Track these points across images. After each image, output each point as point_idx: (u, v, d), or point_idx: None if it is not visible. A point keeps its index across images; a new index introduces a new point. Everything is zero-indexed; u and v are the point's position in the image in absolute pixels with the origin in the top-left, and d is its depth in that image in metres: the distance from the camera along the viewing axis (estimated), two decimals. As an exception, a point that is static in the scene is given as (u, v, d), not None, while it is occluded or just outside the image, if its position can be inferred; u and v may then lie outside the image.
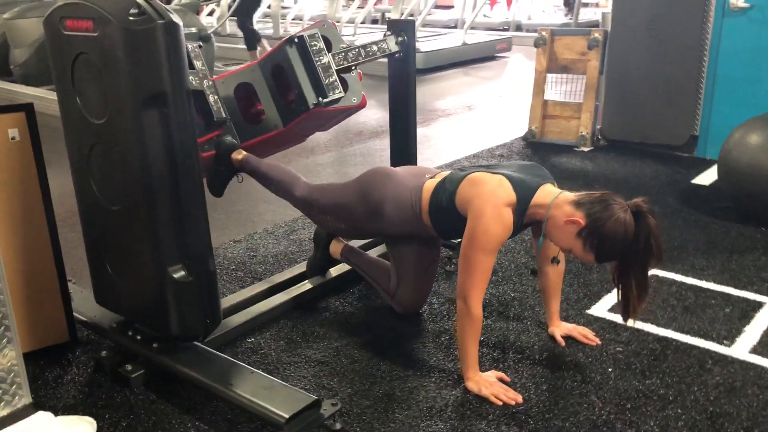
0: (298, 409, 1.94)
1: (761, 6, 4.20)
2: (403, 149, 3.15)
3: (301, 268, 2.96)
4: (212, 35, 7.79)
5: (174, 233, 2.08)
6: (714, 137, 4.52)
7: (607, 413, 2.10)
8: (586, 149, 4.96)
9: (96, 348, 2.46)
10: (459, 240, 2.96)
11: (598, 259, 2.11)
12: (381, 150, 5.09)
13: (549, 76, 5.15)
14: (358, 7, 11.13)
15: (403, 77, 3.04)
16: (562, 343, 2.47)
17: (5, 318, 1.90)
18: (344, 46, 2.80)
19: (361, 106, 2.81)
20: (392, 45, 2.92)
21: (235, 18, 8.21)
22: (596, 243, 2.06)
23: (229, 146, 2.71)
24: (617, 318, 2.61)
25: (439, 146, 5.27)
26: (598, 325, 2.60)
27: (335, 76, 2.67)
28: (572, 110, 5.08)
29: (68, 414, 2.10)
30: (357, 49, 2.80)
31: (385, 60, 3.03)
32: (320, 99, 2.64)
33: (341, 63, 2.73)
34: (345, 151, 5.10)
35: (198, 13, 8.86)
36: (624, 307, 2.12)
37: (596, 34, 4.87)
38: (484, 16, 12.30)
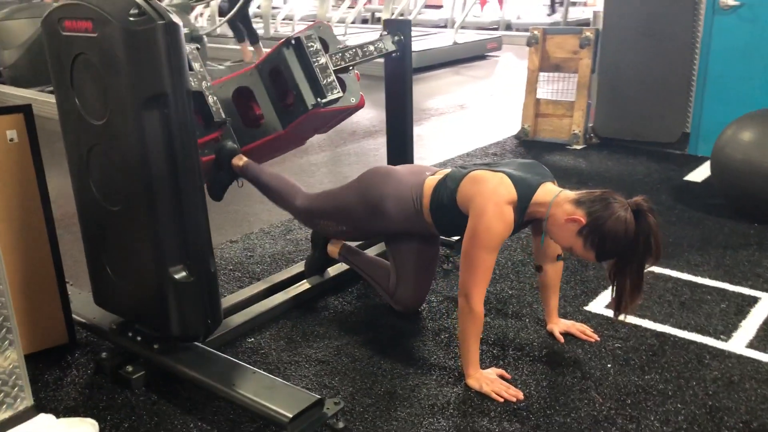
0: (301, 408, 1.94)
1: (751, 4, 4.24)
2: (400, 148, 3.16)
3: (299, 267, 2.96)
4: (204, 36, 7.78)
5: (175, 233, 2.08)
6: (705, 134, 4.55)
7: (608, 409, 2.12)
8: (578, 147, 4.98)
9: (95, 349, 2.46)
10: (458, 237, 2.98)
11: (599, 258, 2.12)
12: (375, 149, 5.10)
13: (541, 74, 5.17)
14: (349, 7, 11.13)
15: (400, 77, 3.05)
16: (561, 339, 2.48)
17: (6, 320, 1.90)
18: (341, 46, 2.81)
19: (360, 106, 2.82)
20: (389, 44, 2.92)
21: (231, 22, 8.20)
22: (597, 241, 2.08)
23: (229, 151, 2.71)
24: (615, 314, 2.63)
25: (433, 145, 5.28)
26: (596, 321, 2.61)
27: (333, 77, 2.67)
28: (565, 109, 5.11)
29: (70, 416, 2.10)
30: (354, 49, 2.80)
31: (380, 60, 3.04)
32: (319, 99, 2.64)
33: (338, 63, 2.73)
34: (339, 151, 5.10)
35: (188, 13, 8.83)
36: (616, 303, 2.14)
37: (588, 33, 4.89)
38: (474, 16, 12.34)
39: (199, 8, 10.23)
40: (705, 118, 4.57)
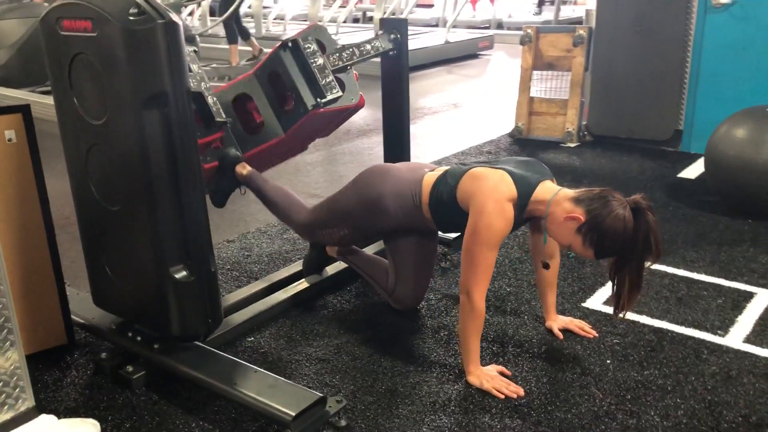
0: (304, 406, 1.94)
1: (743, 2, 4.27)
2: (397, 147, 3.16)
3: (297, 266, 2.96)
4: (197, 36, 7.76)
5: (175, 233, 2.07)
6: (698, 132, 4.59)
7: (608, 404, 2.13)
8: (572, 145, 5.01)
9: (94, 350, 2.45)
10: (458, 234, 2.98)
11: (598, 255, 2.14)
12: (369, 148, 5.10)
13: (535, 73, 5.19)
14: (340, 7, 11.12)
15: (396, 75, 3.06)
16: (560, 336, 2.50)
17: (7, 321, 1.89)
18: (338, 47, 2.81)
19: (360, 105, 2.82)
20: (385, 43, 2.93)
21: (220, 16, 8.20)
22: (596, 239, 2.09)
23: (232, 159, 2.70)
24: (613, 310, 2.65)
25: (427, 144, 5.29)
26: (594, 317, 2.63)
27: (331, 77, 2.67)
28: (558, 107, 5.13)
29: (71, 417, 2.09)
30: (351, 49, 2.81)
31: (375, 59, 3.04)
32: (318, 100, 2.64)
33: (336, 63, 2.73)
34: (334, 150, 5.10)
35: (179, 13, 8.81)
36: (616, 301, 2.15)
37: (581, 31, 4.91)
38: (471, 17, 12.36)
39: (189, 7, 10.19)
40: (698, 115, 4.60)
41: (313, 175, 4.51)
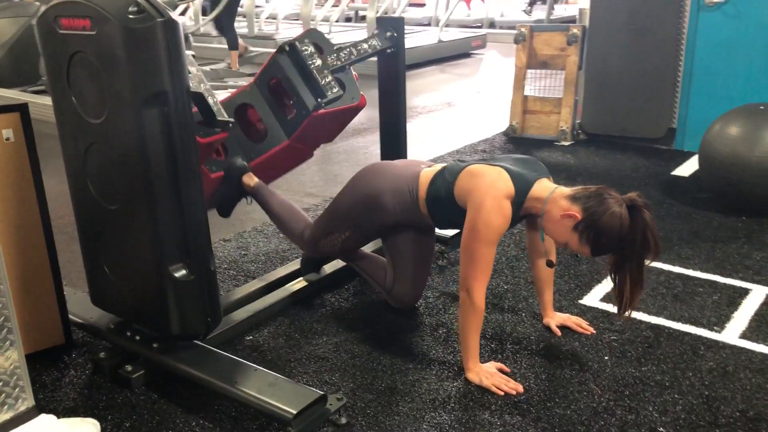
0: (305, 404, 1.95)
1: (735, 1, 4.30)
2: (394, 145, 3.17)
3: (294, 265, 2.96)
4: (190, 35, 7.74)
5: (174, 232, 2.07)
6: (691, 130, 4.62)
7: (607, 400, 2.14)
8: (566, 143, 5.03)
9: (92, 350, 2.45)
10: (456, 233, 2.99)
11: (594, 253, 2.15)
12: (364, 147, 5.11)
13: (529, 71, 5.20)
14: (333, 6, 11.10)
15: (393, 74, 3.06)
16: (558, 332, 2.51)
17: (7, 320, 1.88)
18: (335, 48, 2.83)
19: (361, 105, 2.82)
20: (383, 42, 2.93)
21: (218, 21, 8.17)
22: (592, 237, 2.10)
23: (239, 168, 2.71)
24: (610, 307, 2.67)
25: (421, 143, 5.29)
26: (591, 314, 2.64)
27: (331, 76, 2.69)
28: (552, 105, 5.15)
29: (70, 416, 2.08)
30: (348, 48, 2.82)
31: (370, 59, 3.04)
32: (319, 100, 2.65)
33: (334, 63, 2.74)
34: (329, 149, 5.09)
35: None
36: (619, 301, 2.16)
37: (575, 30, 4.93)
38: (466, 16, 12.38)
39: (182, 6, 10.15)
40: (691, 113, 4.63)
41: (309, 174, 4.51)
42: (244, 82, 6.98)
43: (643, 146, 4.83)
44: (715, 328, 2.53)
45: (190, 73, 2.40)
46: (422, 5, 13.68)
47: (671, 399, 2.14)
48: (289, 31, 10.52)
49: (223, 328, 2.45)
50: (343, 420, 2.05)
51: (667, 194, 3.93)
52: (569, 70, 5.00)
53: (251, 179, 2.73)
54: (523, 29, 5.12)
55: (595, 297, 2.78)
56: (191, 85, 2.04)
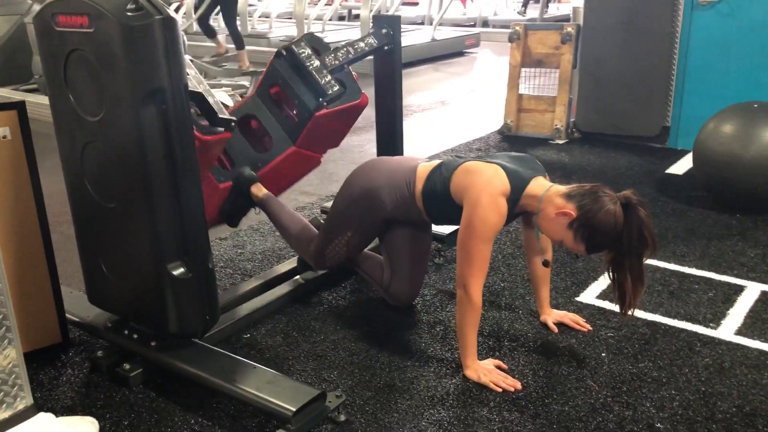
0: (304, 402, 1.95)
1: (728, 0, 4.32)
2: (390, 144, 3.18)
3: (291, 263, 2.96)
4: (183, 34, 7.70)
5: (173, 230, 2.07)
6: (685, 128, 4.64)
7: (604, 396, 2.15)
8: (561, 142, 5.04)
9: (90, 348, 2.44)
10: (452, 230, 2.99)
11: (589, 250, 2.16)
12: (359, 146, 5.10)
13: (523, 70, 5.21)
14: (326, 4, 11.10)
15: (389, 72, 3.07)
16: (555, 329, 2.52)
17: (6, 318, 1.88)
18: (332, 48, 2.84)
19: (363, 103, 2.83)
20: (379, 39, 2.94)
21: (203, 23, 8.15)
22: (587, 234, 2.11)
23: (248, 178, 2.70)
24: (606, 304, 2.68)
25: (416, 141, 5.29)
26: (588, 311, 2.65)
27: (330, 76, 2.71)
28: (546, 104, 5.16)
29: (68, 415, 2.08)
30: (345, 48, 2.83)
31: (366, 58, 3.05)
32: (320, 99, 2.66)
33: (332, 63, 2.75)
34: (323, 148, 5.10)
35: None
36: (620, 300, 2.16)
37: (569, 29, 4.95)
38: (464, 14, 12.39)
39: (174, 4, 10.12)
40: (684, 112, 4.65)
41: (304, 173, 4.50)
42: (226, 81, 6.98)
43: (637, 144, 4.85)
44: (710, 324, 2.55)
45: (188, 74, 2.40)
46: (415, 4, 13.68)
47: (668, 395, 2.15)
48: (282, 30, 10.51)
49: (221, 326, 2.45)
50: (342, 417, 2.06)
51: (661, 192, 3.95)
52: (563, 69, 5.02)
53: (260, 190, 2.72)
54: (517, 28, 5.14)
55: (591, 294, 2.79)
56: (190, 86, 2.05)
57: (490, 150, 4.93)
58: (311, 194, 4.10)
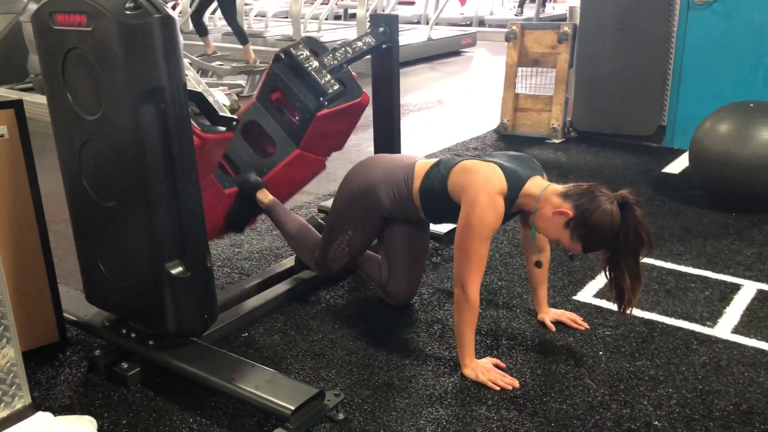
0: (303, 400, 1.95)
1: (724, 0, 4.33)
2: (388, 142, 3.18)
3: (289, 262, 2.96)
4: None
5: (171, 228, 2.07)
6: (681, 127, 4.65)
7: (602, 395, 2.16)
8: (557, 141, 5.05)
9: (87, 348, 2.44)
10: (449, 230, 3.00)
11: (585, 249, 2.16)
12: (356, 145, 5.10)
13: (519, 69, 5.22)
14: (322, 3, 11.09)
15: (387, 71, 3.07)
16: (553, 328, 2.52)
17: (4, 317, 1.88)
18: (330, 49, 2.85)
19: (364, 102, 2.83)
20: (377, 38, 2.94)
21: (196, 21, 8.14)
22: (584, 233, 2.12)
23: (253, 184, 2.69)
24: (603, 303, 2.69)
25: (413, 141, 5.30)
26: (585, 310, 2.66)
27: (329, 76, 2.71)
28: (543, 103, 5.17)
29: (66, 414, 2.07)
30: (343, 48, 2.84)
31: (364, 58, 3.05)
32: (321, 99, 2.67)
33: (331, 63, 2.77)
34: (320, 147, 5.10)
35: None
36: (619, 298, 2.17)
37: (566, 28, 4.96)
38: (461, 14, 12.39)
39: (170, 3, 10.10)
40: (680, 111, 4.66)
41: (301, 172, 4.50)
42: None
43: (633, 144, 4.86)
44: (707, 323, 2.56)
45: (186, 75, 2.40)
46: (412, 3, 13.68)
47: (665, 393, 2.16)
48: (278, 29, 10.49)
49: (219, 325, 2.45)
50: (341, 416, 2.06)
51: (657, 191, 3.96)
52: (560, 68, 5.03)
53: (266, 196, 2.71)
54: (514, 27, 5.14)
55: (588, 293, 2.80)
56: (189, 86, 2.05)
57: (487, 149, 4.94)
58: (309, 193, 4.09)
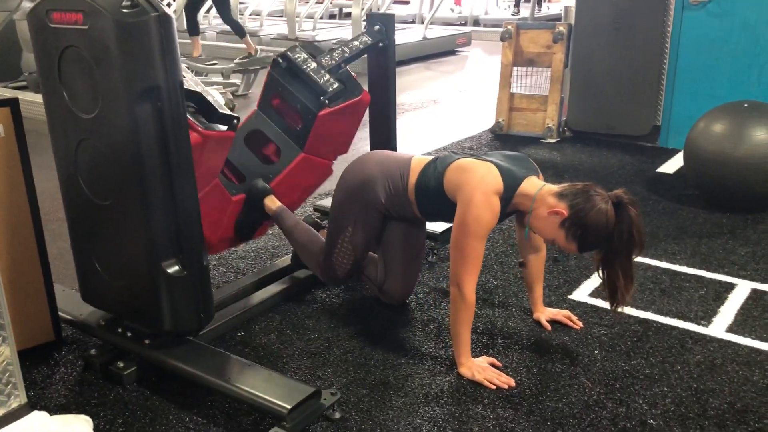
0: (299, 399, 1.95)
1: (719, 0, 4.35)
2: (384, 142, 3.18)
3: (285, 261, 2.96)
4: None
5: (167, 227, 2.06)
6: (675, 127, 4.67)
7: (598, 393, 2.17)
8: (552, 141, 5.06)
9: (82, 347, 2.43)
10: (445, 229, 2.99)
11: (581, 249, 2.17)
12: (353, 144, 5.09)
13: (515, 69, 5.23)
14: (316, 2, 11.08)
15: (383, 70, 3.07)
16: (548, 327, 2.53)
17: (0, 316, 1.87)
18: (327, 49, 2.86)
19: (364, 100, 2.83)
20: (373, 36, 2.95)
21: (188, 20, 8.12)
22: (579, 233, 2.12)
23: (261, 190, 2.67)
24: (599, 302, 2.70)
25: (408, 140, 5.30)
26: (581, 309, 2.67)
27: (328, 75, 2.72)
28: (538, 103, 5.18)
29: (62, 413, 2.07)
30: (340, 48, 2.84)
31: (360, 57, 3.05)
32: (321, 98, 2.67)
33: (329, 63, 2.77)
34: (315, 146, 5.10)
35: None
36: (612, 296, 2.18)
37: (561, 28, 4.96)
38: (452, 10, 12.39)
39: (165, 1, 10.07)
40: (675, 111, 4.68)
41: (296, 171, 4.49)
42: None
43: (628, 143, 4.87)
44: (702, 322, 2.57)
45: (184, 76, 2.40)
46: (407, 3, 13.69)
47: (661, 392, 2.17)
48: (273, 28, 10.48)
49: (215, 324, 2.45)
50: (337, 415, 2.06)
51: (652, 191, 3.97)
52: (555, 68, 5.04)
53: (274, 203, 2.69)
54: (509, 27, 5.15)
55: (584, 292, 2.81)
56: (188, 86, 2.05)
57: (483, 148, 4.95)
58: (304, 192, 4.09)
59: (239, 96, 6.70)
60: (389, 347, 2.43)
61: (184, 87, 2.03)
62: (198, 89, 2.13)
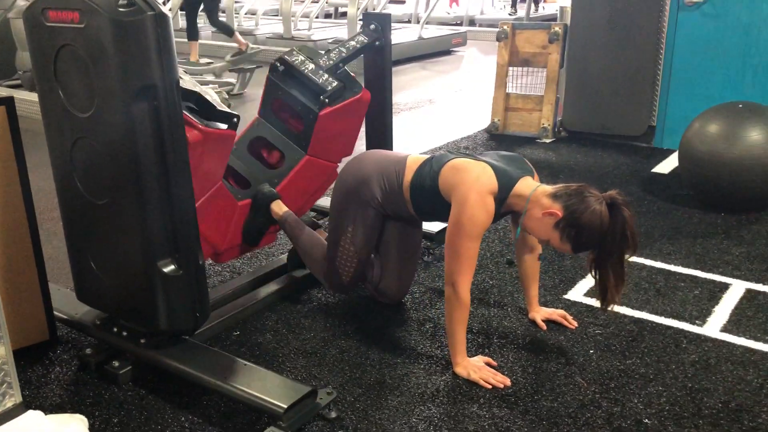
0: (295, 398, 1.96)
1: (714, 1, 4.36)
2: (381, 141, 3.18)
3: (281, 261, 2.96)
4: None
5: (163, 226, 2.06)
6: (670, 127, 4.68)
7: (593, 393, 2.18)
8: (548, 141, 5.07)
9: (78, 346, 2.43)
10: (441, 228, 3.00)
11: (575, 249, 2.18)
12: (347, 144, 5.11)
13: (510, 69, 5.24)
14: (312, 2, 11.08)
15: (379, 70, 3.07)
16: (544, 327, 2.54)
17: (-6, 316, 1.86)
18: (324, 51, 2.87)
19: (365, 98, 2.84)
20: (370, 36, 2.95)
21: (207, 17, 8.09)
22: (573, 234, 2.13)
23: (268, 195, 2.67)
24: (594, 302, 2.70)
25: (404, 140, 5.30)
26: (576, 309, 2.68)
27: (326, 75, 2.72)
28: (534, 103, 5.19)
29: (57, 413, 2.06)
30: (337, 48, 2.85)
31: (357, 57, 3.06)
32: (321, 97, 2.67)
33: (327, 63, 2.79)
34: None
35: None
36: (602, 295, 2.19)
37: (556, 28, 4.98)
38: (447, 12, 12.40)
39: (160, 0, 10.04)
40: (670, 111, 4.69)
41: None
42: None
43: (623, 144, 4.89)
44: (696, 321, 2.58)
45: (181, 78, 2.40)
46: (402, 2, 13.69)
47: (656, 391, 2.18)
48: (268, 27, 10.47)
49: (211, 324, 2.44)
50: (333, 414, 2.06)
51: (647, 191, 3.98)
52: (551, 68, 5.05)
53: (280, 208, 2.68)
54: (505, 27, 5.16)
55: (579, 292, 2.82)
56: (186, 86, 2.05)
57: (478, 148, 4.95)
58: (299, 192, 4.09)
59: (235, 95, 6.70)
60: (385, 347, 2.43)
61: (182, 87, 2.03)
62: (196, 89, 2.13)
